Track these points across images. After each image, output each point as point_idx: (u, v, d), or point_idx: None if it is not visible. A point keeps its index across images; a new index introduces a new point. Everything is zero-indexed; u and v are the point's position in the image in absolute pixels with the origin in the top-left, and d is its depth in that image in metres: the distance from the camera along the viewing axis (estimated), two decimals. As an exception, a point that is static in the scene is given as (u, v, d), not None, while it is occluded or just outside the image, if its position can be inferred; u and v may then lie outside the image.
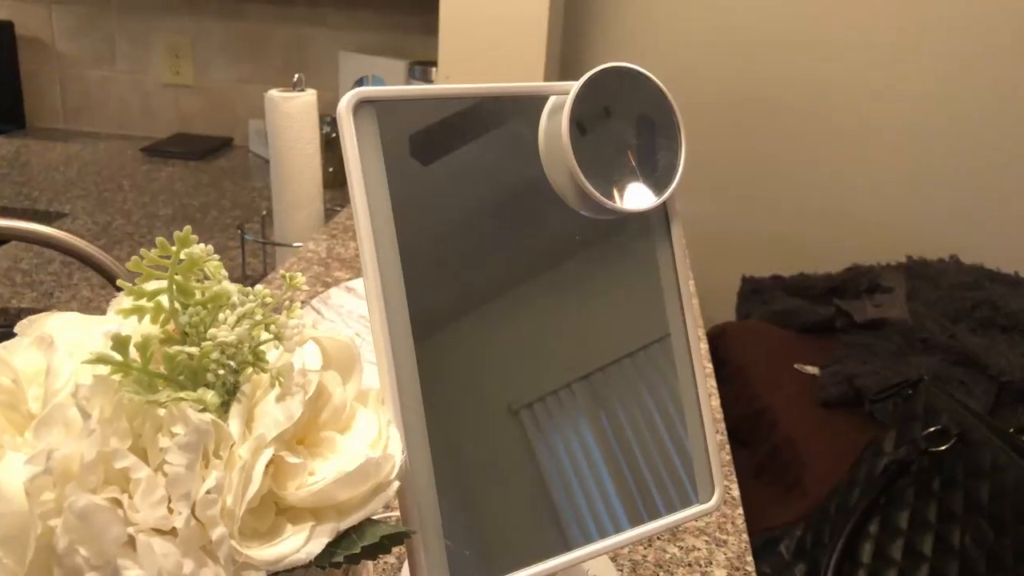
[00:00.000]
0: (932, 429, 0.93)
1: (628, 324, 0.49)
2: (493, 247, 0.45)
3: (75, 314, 0.37)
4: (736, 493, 0.65)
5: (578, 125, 0.44)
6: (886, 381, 1.38)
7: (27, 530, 0.30)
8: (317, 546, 0.33)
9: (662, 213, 0.50)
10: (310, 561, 0.33)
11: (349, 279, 0.99)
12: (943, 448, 0.91)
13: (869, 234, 2.04)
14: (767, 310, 1.84)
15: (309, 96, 1.20)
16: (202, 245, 0.37)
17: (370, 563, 0.42)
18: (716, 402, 0.81)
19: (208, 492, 0.30)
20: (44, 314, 0.36)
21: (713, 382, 0.85)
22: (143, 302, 0.36)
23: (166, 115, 2.19)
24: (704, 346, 0.92)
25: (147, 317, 0.36)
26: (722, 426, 0.77)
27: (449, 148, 0.44)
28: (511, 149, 0.46)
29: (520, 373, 0.45)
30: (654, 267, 0.50)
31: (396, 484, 0.37)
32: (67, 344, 0.34)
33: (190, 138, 2.14)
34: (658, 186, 0.47)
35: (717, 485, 0.50)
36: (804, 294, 1.88)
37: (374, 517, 0.36)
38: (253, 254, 1.40)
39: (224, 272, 0.38)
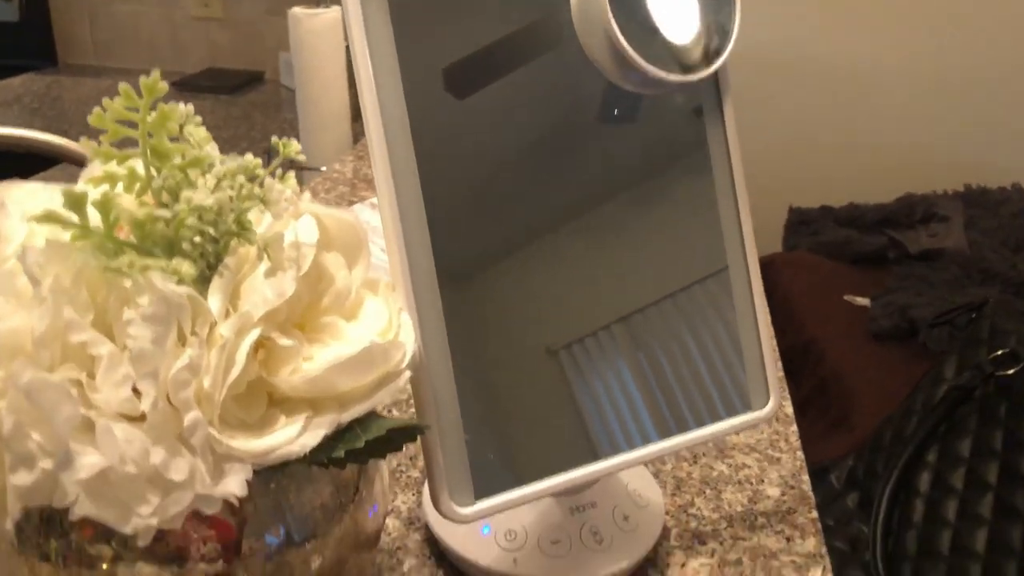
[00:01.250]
0: (999, 352, 0.86)
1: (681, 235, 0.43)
2: (531, 178, 0.40)
3: (42, 184, 0.32)
4: (790, 411, 0.60)
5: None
6: (942, 311, 1.31)
7: (-27, 413, 0.25)
8: (313, 438, 0.29)
9: (716, 111, 0.44)
10: (306, 456, 0.29)
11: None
12: (1011, 372, 0.84)
13: (924, 162, 1.93)
14: (815, 241, 1.76)
15: (334, 13, 1.15)
16: (180, 105, 0.32)
17: (384, 470, 0.38)
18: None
19: (181, 371, 0.26)
20: (5, 183, 0.32)
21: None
22: (114, 167, 0.31)
23: (196, 49, 2.14)
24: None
25: (121, 185, 0.31)
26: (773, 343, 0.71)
27: (485, 78, 0.39)
28: (553, 75, 0.40)
29: (563, 309, 0.40)
30: (708, 182, 0.44)
31: (407, 374, 0.32)
32: (24, 211, 0.29)
33: (221, 72, 2.10)
34: (708, 53, 0.41)
35: (772, 392, 0.44)
36: (854, 224, 1.79)
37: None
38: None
39: (211, 142, 0.34)
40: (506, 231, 0.39)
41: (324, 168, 1.13)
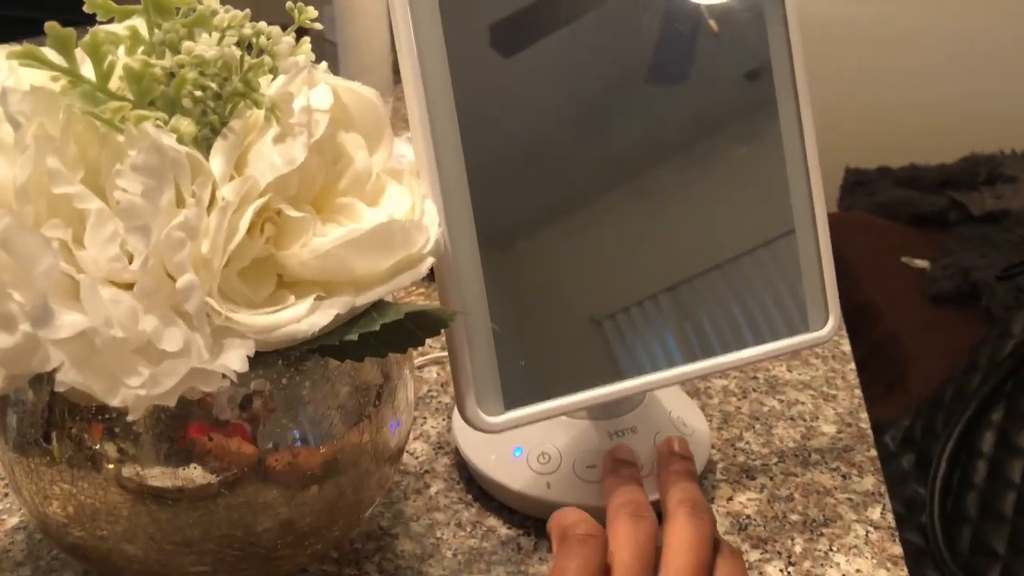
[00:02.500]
0: (1074, 306, 0.80)
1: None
2: (583, 143, 0.36)
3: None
4: (847, 348, 0.56)
5: None
6: (1008, 267, 1.25)
7: (-51, 269, 0.23)
8: (324, 317, 0.26)
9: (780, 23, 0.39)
10: (315, 338, 0.26)
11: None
12: (1086, 326, 0.79)
13: (990, 121, 1.84)
14: (872, 202, 1.70)
15: (375, -48, 1.11)
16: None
17: (409, 381, 0.35)
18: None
19: (175, 231, 0.23)
20: None
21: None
22: (114, 27, 0.28)
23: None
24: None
25: (123, 48, 0.29)
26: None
27: (532, 35, 0.35)
28: (600, 33, 0.36)
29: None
30: (774, 131, 0.40)
31: (430, 260, 0.29)
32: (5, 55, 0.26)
33: (264, 27, 2.08)
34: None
35: (832, 312, 0.41)
36: (914, 186, 1.72)
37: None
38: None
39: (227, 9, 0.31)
40: (552, 188, 0.36)
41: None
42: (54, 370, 0.23)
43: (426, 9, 0.32)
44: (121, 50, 0.28)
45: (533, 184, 0.35)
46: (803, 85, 0.40)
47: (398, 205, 0.31)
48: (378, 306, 0.28)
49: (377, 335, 0.27)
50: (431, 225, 0.30)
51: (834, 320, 0.40)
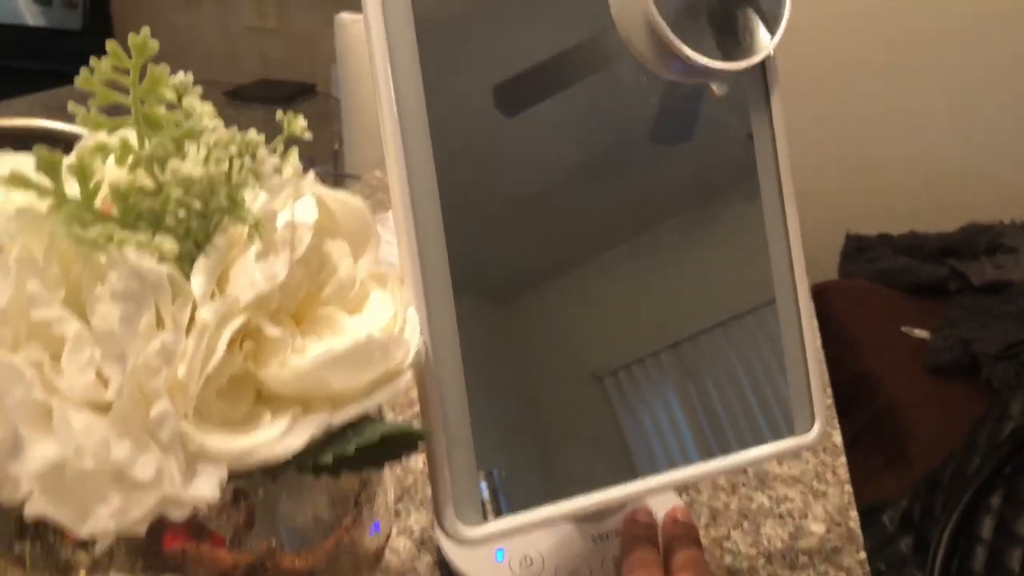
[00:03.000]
0: (1071, 390, 0.80)
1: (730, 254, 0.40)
2: (573, 203, 0.37)
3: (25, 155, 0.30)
4: (838, 440, 0.56)
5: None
6: (1008, 345, 1.24)
7: (-75, 393, 0.23)
8: (298, 439, 0.26)
9: (763, 110, 0.40)
10: (290, 460, 0.26)
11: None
12: (1084, 411, 0.78)
13: (990, 190, 1.85)
14: (873, 269, 1.70)
15: (382, 20, 1.13)
16: (181, 74, 0.30)
17: (388, 485, 0.35)
18: (817, 342, 0.70)
19: (152, 357, 0.23)
20: (-6, 154, 0.30)
21: (814, 321, 0.74)
22: (104, 137, 0.29)
23: (250, 60, 2.17)
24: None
25: (113, 157, 0.29)
26: (823, 367, 0.67)
27: (534, 98, 0.36)
28: (594, 96, 0.37)
29: (597, 333, 0.37)
30: (756, 203, 0.40)
31: (409, 375, 0.29)
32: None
33: (273, 84, 2.11)
34: (753, 44, 0.38)
35: (818, 416, 0.40)
36: (914, 253, 1.72)
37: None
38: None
39: (215, 116, 0.31)
40: (538, 251, 0.36)
41: (364, 176, 1.11)
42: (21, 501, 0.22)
43: (409, 70, 0.33)
44: (110, 160, 0.29)
45: (519, 293, 0.35)
46: (788, 189, 0.40)
47: (380, 313, 0.31)
48: (355, 424, 0.28)
49: (351, 457, 0.27)
50: (412, 337, 0.30)
51: (820, 424, 0.40)
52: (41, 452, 0.22)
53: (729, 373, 0.40)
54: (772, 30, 0.38)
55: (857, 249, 1.80)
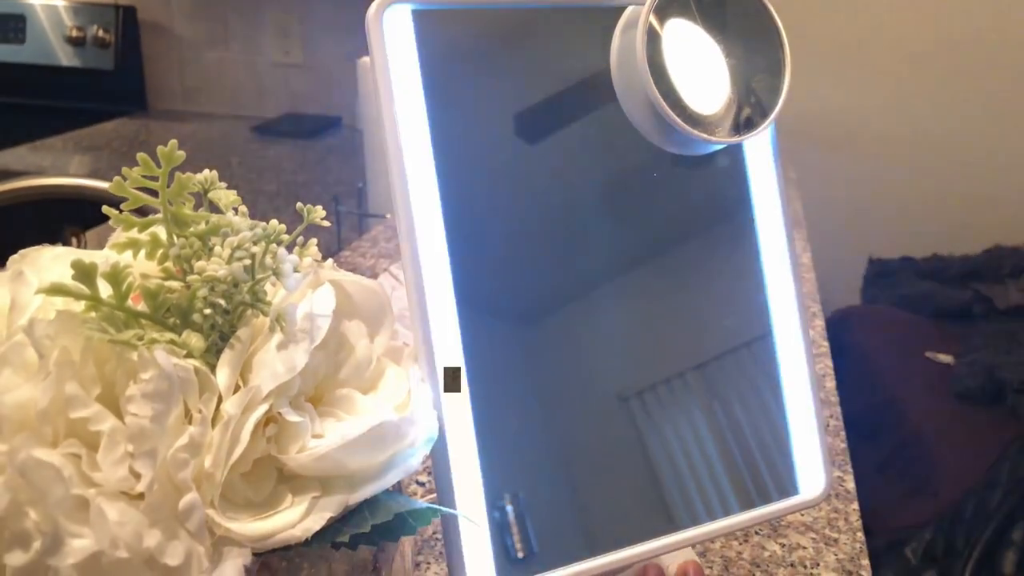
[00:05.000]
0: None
1: (728, 315, 0.41)
2: (560, 241, 0.38)
3: (71, 249, 0.32)
4: (851, 486, 0.56)
5: (657, 39, 0.37)
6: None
7: (-26, 487, 0.25)
8: (316, 521, 0.28)
9: (765, 173, 0.42)
10: (308, 540, 0.28)
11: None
12: (1106, 446, 0.78)
13: (1014, 213, 1.84)
14: (895, 294, 1.69)
15: (402, 62, 1.16)
16: (206, 172, 0.32)
17: (406, 549, 0.37)
18: (831, 383, 0.71)
19: (179, 451, 0.25)
20: (37, 247, 0.32)
21: (829, 361, 0.75)
22: (136, 234, 0.31)
23: (276, 95, 2.21)
24: (819, 323, 0.83)
25: (144, 252, 0.31)
26: (837, 410, 0.68)
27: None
28: (593, 134, 0.39)
29: (598, 378, 0.38)
30: (754, 248, 0.42)
31: (421, 454, 0.31)
32: (45, 278, 0.29)
33: (299, 118, 2.15)
34: (754, 117, 0.40)
35: (825, 474, 0.42)
36: (937, 277, 1.72)
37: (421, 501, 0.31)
38: (352, 227, 1.37)
39: (241, 206, 0.33)
40: (534, 300, 0.38)
41: (388, 215, 1.14)
42: (63, 586, 0.24)
43: (415, 111, 0.35)
44: (141, 256, 0.31)
45: (531, 377, 0.37)
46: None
47: (395, 391, 0.33)
48: (370, 502, 0.30)
49: (367, 535, 0.28)
50: (423, 417, 0.32)
51: (826, 483, 0.41)
52: (79, 545, 0.24)
53: (728, 425, 0.41)
54: (772, 104, 0.40)
55: (880, 274, 1.80)
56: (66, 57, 2.14)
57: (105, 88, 2.14)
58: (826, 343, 0.78)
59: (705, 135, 0.37)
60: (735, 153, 0.41)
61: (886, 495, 1.23)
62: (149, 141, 2.01)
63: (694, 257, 0.41)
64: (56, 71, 2.14)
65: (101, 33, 2.12)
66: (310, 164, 1.86)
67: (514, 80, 0.38)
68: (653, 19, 0.37)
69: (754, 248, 0.41)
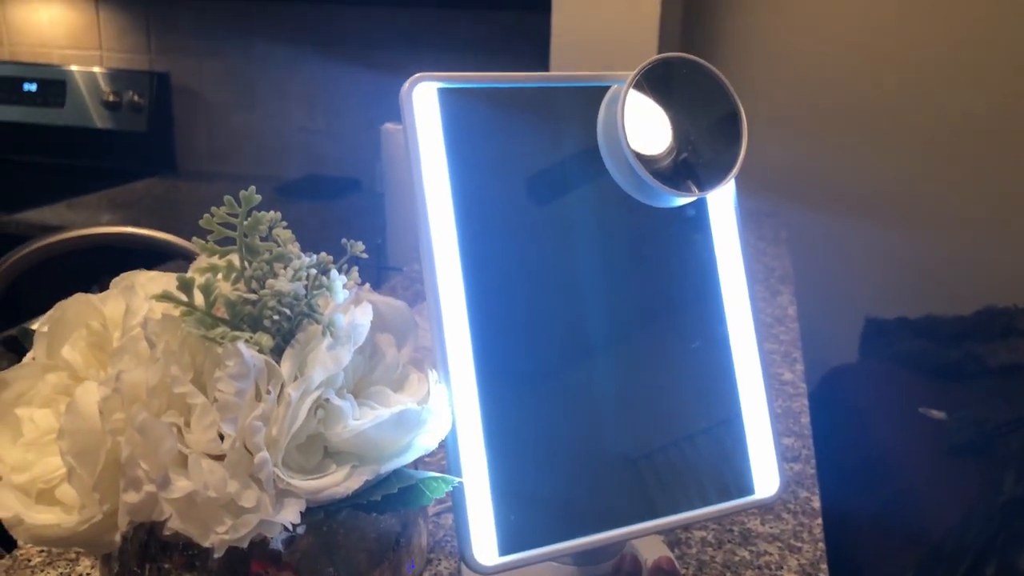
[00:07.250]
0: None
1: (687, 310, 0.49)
2: (577, 279, 0.47)
3: (161, 272, 0.41)
4: (817, 505, 0.63)
5: (636, 114, 0.46)
6: (1011, 419, 1.29)
7: (99, 445, 0.33)
8: (356, 482, 0.35)
9: (728, 229, 0.50)
10: (348, 496, 0.35)
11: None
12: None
13: (1005, 275, 1.92)
14: (890, 352, 1.76)
15: (421, 128, 1.26)
16: (272, 212, 0.40)
17: (423, 529, 0.44)
18: (806, 419, 0.78)
19: (254, 420, 0.33)
20: (134, 271, 0.41)
21: (806, 401, 0.82)
22: (216, 260, 0.39)
23: (300, 157, 2.33)
24: (800, 367, 0.90)
25: (220, 274, 0.39)
26: (810, 442, 0.74)
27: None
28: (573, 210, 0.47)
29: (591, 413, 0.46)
30: (714, 280, 0.50)
31: (437, 438, 0.39)
32: (147, 291, 0.37)
33: (321, 179, 2.26)
34: (717, 176, 0.48)
35: (780, 475, 0.49)
36: (931, 336, 1.78)
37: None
38: (370, 280, 1.46)
39: (295, 241, 0.42)
40: (539, 332, 0.46)
41: (404, 269, 1.23)
42: (164, 520, 0.32)
43: (439, 178, 0.43)
44: (220, 275, 0.39)
45: (534, 371, 0.45)
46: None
47: (417, 390, 0.41)
48: (397, 472, 0.37)
49: (394, 496, 0.36)
50: (440, 409, 0.39)
51: (780, 483, 0.48)
52: (181, 485, 0.32)
53: (694, 436, 0.48)
54: (731, 164, 0.48)
55: (876, 332, 1.86)
56: (100, 120, 2.27)
57: (138, 149, 2.27)
58: (804, 384, 0.85)
59: (670, 189, 0.46)
60: (701, 207, 0.50)
61: (883, 547, 1.28)
62: (178, 200, 2.12)
63: (666, 295, 0.49)
64: (92, 133, 2.27)
65: (136, 98, 2.25)
66: (330, 223, 1.96)
67: (524, 148, 0.46)
68: (632, 94, 0.46)
69: (715, 280, 0.49)
